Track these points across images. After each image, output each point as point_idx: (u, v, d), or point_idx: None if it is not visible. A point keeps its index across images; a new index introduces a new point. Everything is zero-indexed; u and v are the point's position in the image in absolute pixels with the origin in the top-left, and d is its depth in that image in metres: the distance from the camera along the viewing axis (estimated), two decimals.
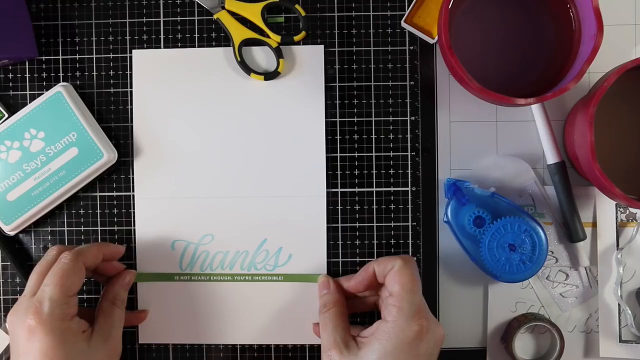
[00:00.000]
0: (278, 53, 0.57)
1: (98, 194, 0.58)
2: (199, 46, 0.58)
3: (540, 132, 0.56)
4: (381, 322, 0.49)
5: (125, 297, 0.56)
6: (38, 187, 0.56)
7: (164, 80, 0.58)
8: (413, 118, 0.58)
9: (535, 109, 0.56)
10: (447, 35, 0.48)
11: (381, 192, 0.58)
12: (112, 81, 0.58)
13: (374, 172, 0.58)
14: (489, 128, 0.57)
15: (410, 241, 0.57)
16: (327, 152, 0.58)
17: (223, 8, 0.57)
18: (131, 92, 0.58)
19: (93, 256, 0.53)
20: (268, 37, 0.57)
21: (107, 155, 0.56)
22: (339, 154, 0.58)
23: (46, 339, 0.47)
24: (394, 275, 0.50)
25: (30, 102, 0.57)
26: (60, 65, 0.59)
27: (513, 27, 0.52)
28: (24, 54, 0.58)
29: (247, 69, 0.57)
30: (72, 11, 0.59)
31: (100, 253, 0.54)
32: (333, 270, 0.58)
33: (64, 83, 0.58)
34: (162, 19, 0.58)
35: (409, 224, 0.58)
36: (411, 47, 0.58)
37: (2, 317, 0.59)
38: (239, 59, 0.57)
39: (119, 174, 0.58)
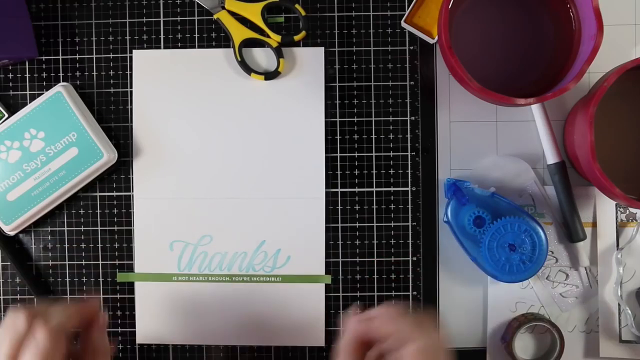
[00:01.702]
0: (278, 53, 0.57)
1: (98, 194, 0.58)
2: (199, 46, 0.58)
3: (540, 132, 0.56)
4: None
5: (106, 342, 0.48)
6: (38, 187, 0.56)
7: (164, 80, 0.58)
8: (413, 118, 0.58)
9: (535, 109, 0.56)
10: (447, 35, 0.48)
11: (381, 192, 0.58)
12: (112, 81, 0.58)
13: (374, 172, 0.58)
14: (489, 128, 0.57)
15: (410, 241, 0.57)
16: (326, 152, 0.58)
17: (223, 8, 0.57)
18: (131, 92, 0.58)
19: (71, 325, 0.45)
20: (268, 37, 0.57)
21: (107, 155, 0.56)
22: (338, 154, 0.58)
23: None
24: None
25: (30, 102, 0.57)
26: (60, 65, 0.59)
27: (513, 27, 0.52)
28: (24, 54, 0.58)
29: (248, 68, 0.57)
30: (72, 11, 0.59)
31: (77, 317, 0.46)
32: (333, 270, 0.58)
33: (64, 83, 0.58)
34: (162, 19, 0.58)
35: (409, 224, 0.57)
36: (411, 47, 0.58)
37: (2, 317, 0.59)
38: (239, 59, 0.57)
39: (119, 174, 0.58)
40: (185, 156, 0.58)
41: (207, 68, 0.58)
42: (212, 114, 0.58)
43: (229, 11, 0.57)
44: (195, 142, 0.58)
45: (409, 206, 0.58)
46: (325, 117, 0.58)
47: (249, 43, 0.58)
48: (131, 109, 0.58)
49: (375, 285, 0.58)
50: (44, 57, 0.59)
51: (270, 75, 0.57)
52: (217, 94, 0.58)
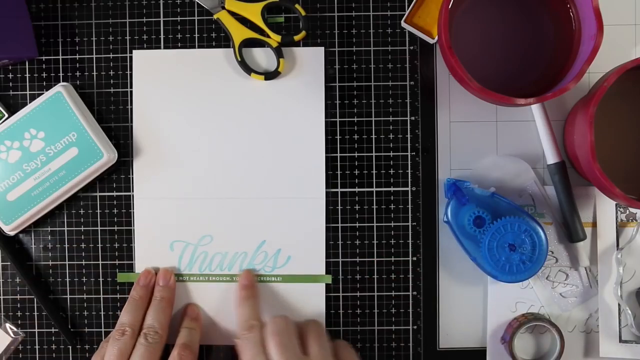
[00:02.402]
0: (278, 53, 0.57)
1: (98, 194, 0.58)
2: (199, 46, 0.58)
3: (540, 132, 0.56)
4: None
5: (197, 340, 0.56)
6: (38, 187, 0.56)
7: (164, 80, 0.58)
8: (413, 118, 0.58)
9: (535, 109, 0.56)
10: (447, 35, 0.48)
11: (381, 192, 0.58)
12: (112, 81, 0.58)
13: (374, 172, 0.58)
14: (489, 128, 0.57)
15: (410, 241, 0.57)
16: (327, 152, 0.58)
17: (223, 8, 0.57)
18: (131, 92, 0.58)
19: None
20: (268, 37, 0.57)
21: (107, 155, 0.56)
22: (338, 154, 0.58)
23: None
24: None
25: (30, 102, 0.57)
26: (60, 65, 0.59)
27: (513, 27, 0.52)
28: (24, 54, 0.58)
29: (248, 68, 0.57)
30: (72, 11, 0.59)
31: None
32: (333, 270, 0.58)
33: (64, 83, 0.58)
34: (162, 19, 0.58)
35: (409, 224, 0.57)
36: (411, 47, 0.58)
37: (2, 317, 0.59)
38: (239, 59, 0.57)
39: (119, 174, 0.58)
40: (186, 156, 0.58)
41: (207, 68, 0.58)
42: (212, 114, 0.58)
43: (229, 11, 0.57)
44: (195, 142, 0.58)
45: (409, 206, 0.58)
46: (325, 117, 0.58)
47: (249, 43, 0.58)
48: (131, 109, 0.58)
49: (375, 285, 0.58)
50: (44, 57, 0.59)
51: (270, 75, 0.57)
52: (217, 94, 0.58)
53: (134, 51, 0.58)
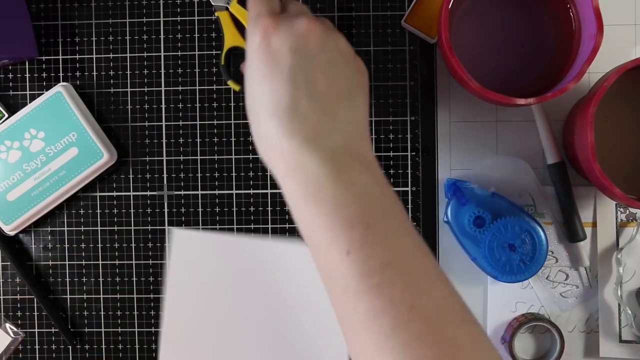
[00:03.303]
0: None
1: (98, 194, 0.58)
2: (199, 46, 0.58)
3: (540, 132, 0.56)
4: None
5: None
6: (38, 187, 0.56)
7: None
8: (413, 118, 0.58)
9: (535, 109, 0.56)
10: (447, 35, 0.48)
11: None
12: (112, 81, 0.58)
13: None
14: (489, 128, 0.57)
15: None
16: None
17: (227, 9, 0.57)
18: (132, 92, 0.58)
19: None
20: None
21: (107, 155, 0.56)
22: None
23: None
24: None
25: (30, 102, 0.57)
26: (60, 65, 0.59)
27: (513, 27, 0.52)
28: (24, 54, 0.58)
29: (228, 73, 0.56)
30: (72, 11, 0.59)
31: None
32: None
33: (64, 83, 0.58)
34: (162, 19, 0.58)
35: None
36: (411, 47, 0.58)
37: (2, 317, 0.59)
38: (222, 63, 0.56)
39: (119, 174, 0.58)
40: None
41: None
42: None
43: (231, 13, 0.57)
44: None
45: (409, 206, 0.58)
46: None
47: (239, 52, 0.57)
48: (131, 109, 0.58)
49: None
50: (44, 57, 0.59)
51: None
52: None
53: (174, 231, 0.57)
